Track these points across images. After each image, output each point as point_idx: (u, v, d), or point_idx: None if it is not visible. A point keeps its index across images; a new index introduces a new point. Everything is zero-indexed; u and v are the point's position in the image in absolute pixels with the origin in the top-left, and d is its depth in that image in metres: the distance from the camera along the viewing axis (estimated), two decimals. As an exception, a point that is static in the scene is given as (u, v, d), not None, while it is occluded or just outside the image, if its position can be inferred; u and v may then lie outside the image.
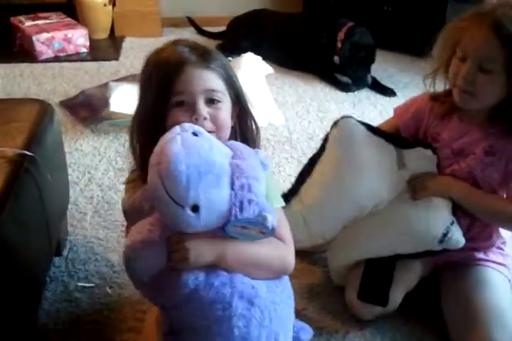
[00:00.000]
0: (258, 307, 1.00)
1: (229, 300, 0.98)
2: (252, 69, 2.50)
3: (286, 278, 1.12)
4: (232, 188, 0.95)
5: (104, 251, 1.63)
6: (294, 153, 2.25)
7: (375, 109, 2.63)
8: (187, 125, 0.99)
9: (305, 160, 2.23)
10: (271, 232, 0.99)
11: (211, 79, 1.08)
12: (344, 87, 2.80)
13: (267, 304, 1.01)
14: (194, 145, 0.95)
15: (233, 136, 1.14)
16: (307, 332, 1.27)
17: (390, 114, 2.58)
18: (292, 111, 2.58)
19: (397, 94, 2.75)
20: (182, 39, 1.15)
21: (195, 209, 0.93)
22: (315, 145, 2.29)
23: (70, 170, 1.97)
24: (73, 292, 1.48)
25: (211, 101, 1.08)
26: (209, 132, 1.04)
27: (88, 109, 2.39)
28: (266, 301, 1.01)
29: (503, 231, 1.48)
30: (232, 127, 1.14)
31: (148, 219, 1.00)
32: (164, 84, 1.05)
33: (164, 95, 1.05)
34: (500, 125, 1.30)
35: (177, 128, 0.98)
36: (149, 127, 1.08)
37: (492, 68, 1.22)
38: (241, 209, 0.94)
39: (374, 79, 2.82)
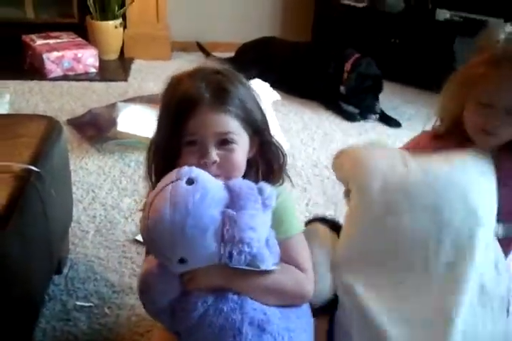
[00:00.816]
0: (270, 333, 0.98)
1: (239, 326, 0.96)
2: (259, 95, 2.51)
3: (305, 305, 1.09)
4: (223, 241, 0.94)
5: (104, 271, 1.62)
6: (299, 180, 2.25)
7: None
8: (184, 171, 0.97)
9: (309, 187, 2.26)
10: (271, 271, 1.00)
11: (225, 123, 1.03)
12: (349, 117, 2.82)
13: (279, 330, 0.99)
14: (183, 199, 0.93)
15: (254, 170, 1.11)
16: None
17: (396, 144, 2.61)
18: (297, 138, 2.59)
19: (402, 125, 2.77)
20: (204, 68, 1.09)
21: (182, 261, 0.94)
22: (319, 172, 2.31)
23: (74, 188, 1.96)
24: (71, 311, 1.47)
25: (224, 143, 1.03)
26: (217, 176, 1.02)
27: (95, 128, 2.40)
28: (278, 327, 0.99)
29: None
30: (251, 161, 1.10)
31: None
32: (177, 121, 1.02)
33: (177, 132, 1.03)
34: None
35: (173, 176, 0.97)
36: (164, 157, 1.07)
37: None
38: (230, 260, 0.95)
39: (380, 110, 2.84)
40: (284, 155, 1.16)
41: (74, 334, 1.39)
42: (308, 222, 1.34)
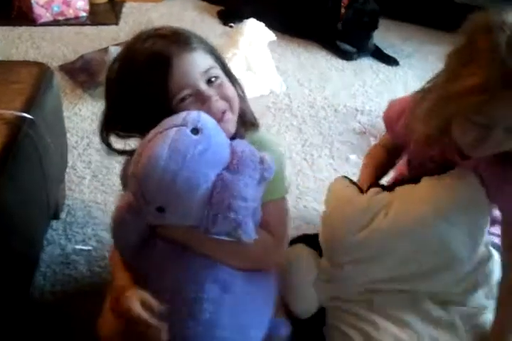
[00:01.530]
0: (232, 294, 0.97)
1: (202, 281, 0.96)
2: (254, 35, 2.46)
3: (272, 271, 1.08)
4: (210, 202, 0.90)
5: (102, 215, 1.63)
6: (294, 120, 2.23)
7: (377, 78, 2.60)
8: (192, 117, 0.92)
9: (305, 128, 2.25)
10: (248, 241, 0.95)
11: (200, 60, 1.00)
12: (346, 55, 2.76)
13: (239, 293, 0.98)
14: (183, 148, 0.89)
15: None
16: (286, 327, 1.16)
17: (393, 83, 2.59)
18: (293, 79, 2.55)
19: (400, 63, 2.71)
20: (145, 31, 1.04)
21: (161, 210, 0.91)
22: (315, 113, 2.29)
23: (68, 135, 1.94)
24: (70, 255, 1.49)
25: (210, 81, 1.00)
26: (225, 112, 1.00)
27: (87, 74, 2.36)
28: (239, 290, 0.98)
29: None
30: None
31: None
32: (157, 89, 0.97)
33: (163, 95, 0.97)
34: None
35: (179, 119, 0.92)
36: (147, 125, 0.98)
37: None
38: (213, 224, 0.90)
39: (377, 48, 2.78)
40: (246, 98, 1.11)
41: (74, 277, 1.42)
42: (292, 243, 1.35)
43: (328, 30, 2.83)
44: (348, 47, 2.79)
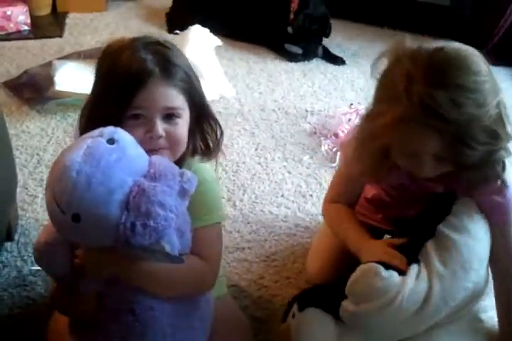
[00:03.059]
0: (153, 329, 0.96)
1: (124, 318, 0.95)
2: (200, 42, 2.46)
3: (206, 299, 1.08)
4: (127, 208, 0.88)
5: (57, 234, 1.61)
6: (247, 125, 2.24)
7: (325, 78, 2.63)
8: (108, 130, 0.94)
9: (258, 132, 2.26)
10: (178, 261, 0.93)
11: (172, 97, 1.03)
12: (293, 57, 2.78)
13: (163, 327, 0.97)
14: (98, 154, 0.89)
15: (191, 144, 1.11)
16: None
17: (341, 82, 2.62)
18: (243, 83, 2.56)
19: (347, 62, 2.76)
20: (143, 37, 1.06)
21: (76, 218, 0.87)
22: (266, 116, 2.31)
23: (17, 153, 1.92)
24: (27, 276, 1.46)
25: (169, 117, 1.04)
26: (162, 149, 1.03)
27: (33, 89, 2.32)
28: (163, 323, 0.97)
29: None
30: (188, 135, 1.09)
31: None
32: (123, 94, 1.00)
33: (121, 105, 1.00)
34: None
35: (95, 132, 0.93)
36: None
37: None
38: (132, 233, 0.87)
39: (324, 49, 2.82)
40: (222, 130, 1.16)
41: (32, 299, 1.39)
42: (300, 304, 1.21)
43: (277, 34, 2.85)
44: (294, 49, 2.82)
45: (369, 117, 1.12)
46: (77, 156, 0.88)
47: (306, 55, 2.79)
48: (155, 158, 0.97)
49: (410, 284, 1.10)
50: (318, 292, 1.26)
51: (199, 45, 2.44)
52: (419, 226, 1.22)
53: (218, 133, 1.15)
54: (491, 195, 1.17)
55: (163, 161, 0.96)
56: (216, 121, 1.15)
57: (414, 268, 1.13)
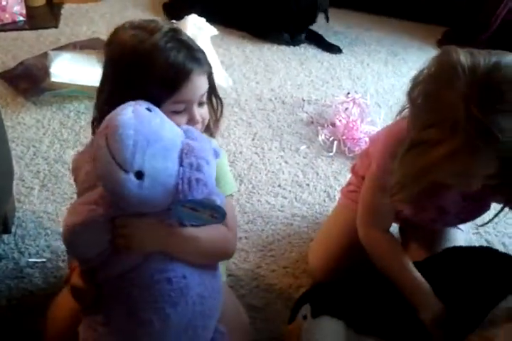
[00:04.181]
0: (185, 297, 0.97)
1: (158, 287, 0.96)
2: (196, 31, 2.45)
3: (219, 274, 1.10)
4: (181, 165, 0.93)
5: (54, 225, 1.61)
6: (243, 115, 2.24)
7: (322, 67, 2.62)
8: (141, 102, 0.98)
9: (254, 122, 2.26)
10: (223, 216, 0.99)
11: (205, 83, 1.08)
12: (281, 42, 2.77)
13: (193, 296, 0.99)
14: (146, 117, 0.93)
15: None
16: (223, 335, 1.12)
17: (337, 70, 2.61)
18: (239, 73, 2.55)
19: (344, 50, 2.74)
20: (162, 28, 1.06)
21: (140, 176, 0.90)
22: (263, 106, 2.30)
23: (13, 145, 1.92)
24: (25, 268, 1.47)
25: (200, 104, 1.09)
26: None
27: (28, 81, 2.30)
28: (194, 293, 0.99)
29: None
30: None
31: (91, 198, 0.97)
32: (165, 91, 1.03)
33: (162, 100, 1.03)
34: None
35: (130, 102, 0.97)
36: None
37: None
38: (189, 187, 0.93)
39: (320, 37, 2.80)
40: (223, 107, 1.20)
41: (29, 290, 1.40)
42: (315, 311, 1.19)
43: (274, 21, 2.83)
44: (284, 36, 2.80)
45: (419, 147, 1.01)
46: (129, 117, 0.92)
47: (293, 41, 2.78)
48: (185, 126, 1.04)
49: None
50: (332, 295, 1.23)
51: (196, 35, 2.42)
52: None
53: (220, 109, 1.20)
54: None
55: (193, 129, 1.04)
56: (219, 98, 1.19)
57: None
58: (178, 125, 1.03)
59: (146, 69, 1.02)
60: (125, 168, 0.89)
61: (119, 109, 0.95)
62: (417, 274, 1.20)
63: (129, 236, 0.96)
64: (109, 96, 1.07)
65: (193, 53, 1.05)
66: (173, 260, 0.99)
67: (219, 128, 1.23)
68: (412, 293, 1.18)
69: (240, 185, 1.85)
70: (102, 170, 0.91)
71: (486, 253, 1.25)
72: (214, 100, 1.18)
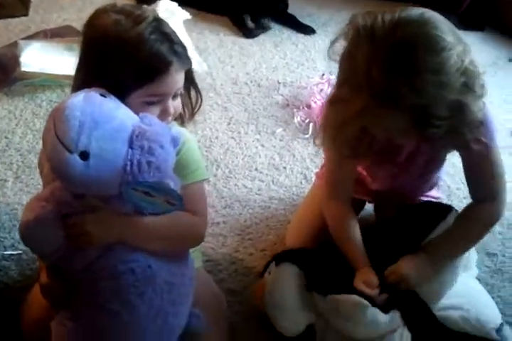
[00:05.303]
0: (152, 286, 0.97)
1: (123, 277, 0.96)
2: (168, 16, 2.41)
3: (190, 260, 1.10)
4: (131, 147, 0.92)
5: (29, 217, 1.60)
6: (219, 99, 2.22)
7: (296, 49, 2.60)
8: (96, 88, 0.98)
9: (230, 106, 2.25)
10: (180, 203, 0.98)
11: (182, 78, 1.08)
12: (249, 33, 2.70)
13: (161, 284, 0.99)
14: (97, 100, 0.93)
15: None
16: (199, 317, 1.14)
17: (312, 52, 2.59)
18: (214, 57, 2.53)
19: (317, 31, 2.72)
20: (142, 12, 1.05)
21: (85, 156, 0.89)
22: (239, 90, 2.29)
23: (-15, 137, 1.90)
24: (0, 261, 1.46)
25: (175, 97, 1.09)
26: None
27: (-1, 71, 2.28)
28: (161, 281, 0.99)
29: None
30: None
31: (42, 194, 0.97)
32: (138, 85, 1.02)
33: (134, 89, 1.02)
34: None
35: (85, 89, 0.97)
36: None
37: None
38: (139, 169, 0.91)
39: (293, 18, 2.78)
40: (202, 101, 1.20)
41: (5, 283, 1.39)
42: (277, 260, 1.28)
43: (237, 6, 2.79)
44: (250, 24, 2.75)
45: (335, 103, 1.09)
46: (78, 99, 0.92)
47: (258, 29, 2.73)
48: (143, 114, 1.01)
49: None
50: (297, 251, 1.32)
51: (168, 19, 2.38)
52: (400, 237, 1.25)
53: (199, 98, 1.19)
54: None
55: (152, 116, 1.02)
56: (198, 88, 1.18)
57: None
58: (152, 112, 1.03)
59: (127, 58, 1.01)
60: (70, 149, 0.89)
61: (72, 94, 0.95)
62: (358, 243, 1.27)
63: (86, 233, 0.95)
64: (82, 82, 1.05)
65: (175, 47, 1.05)
66: (136, 250, 0.98)
67: (193, 119, 1.22)
68: (350, 256, 1.25)
69: (217, 169, 1.84)
70: (49, 151, 0.92)
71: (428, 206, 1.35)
72: (194, 94, 1.18)
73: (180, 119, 1.20)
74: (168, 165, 0.97)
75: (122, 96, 1.02)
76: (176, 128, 1.14)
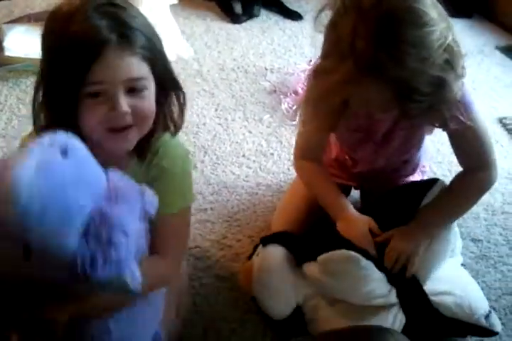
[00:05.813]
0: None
1: None
2: (154, 0, 2.39)
3: (156, 297, 1.05)
4: (86, 238, 0.76)
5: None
6: (206, 85, 2.21)
7: (284, 35, 2.59)
8: (59, 138, 0.81)
9: (217, 92, 2.23)
10: (135, 294, 0.82)
11: (134, 67, 0.90)
12: (236, 19, 2.69)
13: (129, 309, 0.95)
14: (53, 169, 0.75)
15: (158, 116, 0.99)
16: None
17: (299, 38, 2.58)
18: (201, 42, 2.51)
19: (305, 17, 2.71)
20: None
21: (27, 251, 0.75)
22: (226, 76, 2.28)
23: (-31, 123, 1.88)
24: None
25: (133, 90, 0.92)
26: (130, 126, 0.93)
27: (-18, 56, 2.24)
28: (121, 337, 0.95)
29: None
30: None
31: None
32: (76, 70, 0.87)
33: (75, 82, 0.88)
34: None
35: (45, 139, 0.80)
36: (57, 108, 0.92)
37: None
38: (91, 265, 0.75)
39: (281, 4, 2.77)
40: (185, 100, 1.04)
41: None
42: (264, 242, 1.29)
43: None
44: (237, 9, 2.74)
45: (319, 74, 1.09)
46: (28, 172, 0.73)
47: (245, 15, 2.71)
48: (113, 174, 0.87)
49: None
50: (284, 234, 1.33)
51: (154, 4, 2.36)
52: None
53: (183, 103, 1.03)
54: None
55: (123, 179, 0.87)
56: (181, 90, 1.03)
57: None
58: (97, 115, 0.89)
59: (60, 32, 0.89)
60: (11, 239, 0.75)
61: (22, 153, 0.78)
62: (336, 189, 1.32)
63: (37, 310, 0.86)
64: (39, 78, 0.94)
65: (120, 28, 0.89)
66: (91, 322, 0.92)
67: (182, 124, 1.05)
68: (328, 205, 1.30)
69: (204, 156, 1.84)
70: None
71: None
72: (176, 92, 1.02)
73: (168, 129, 1.04)
74: (131, 254, 0.79)
75: (74, 99, 0.89)
76: (167, 145, 1.01)
